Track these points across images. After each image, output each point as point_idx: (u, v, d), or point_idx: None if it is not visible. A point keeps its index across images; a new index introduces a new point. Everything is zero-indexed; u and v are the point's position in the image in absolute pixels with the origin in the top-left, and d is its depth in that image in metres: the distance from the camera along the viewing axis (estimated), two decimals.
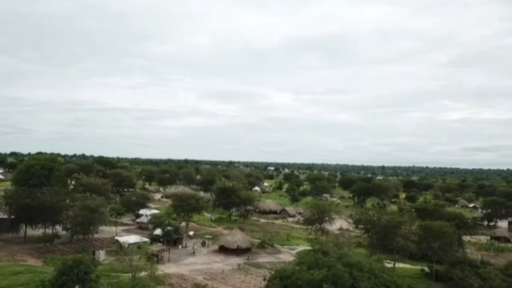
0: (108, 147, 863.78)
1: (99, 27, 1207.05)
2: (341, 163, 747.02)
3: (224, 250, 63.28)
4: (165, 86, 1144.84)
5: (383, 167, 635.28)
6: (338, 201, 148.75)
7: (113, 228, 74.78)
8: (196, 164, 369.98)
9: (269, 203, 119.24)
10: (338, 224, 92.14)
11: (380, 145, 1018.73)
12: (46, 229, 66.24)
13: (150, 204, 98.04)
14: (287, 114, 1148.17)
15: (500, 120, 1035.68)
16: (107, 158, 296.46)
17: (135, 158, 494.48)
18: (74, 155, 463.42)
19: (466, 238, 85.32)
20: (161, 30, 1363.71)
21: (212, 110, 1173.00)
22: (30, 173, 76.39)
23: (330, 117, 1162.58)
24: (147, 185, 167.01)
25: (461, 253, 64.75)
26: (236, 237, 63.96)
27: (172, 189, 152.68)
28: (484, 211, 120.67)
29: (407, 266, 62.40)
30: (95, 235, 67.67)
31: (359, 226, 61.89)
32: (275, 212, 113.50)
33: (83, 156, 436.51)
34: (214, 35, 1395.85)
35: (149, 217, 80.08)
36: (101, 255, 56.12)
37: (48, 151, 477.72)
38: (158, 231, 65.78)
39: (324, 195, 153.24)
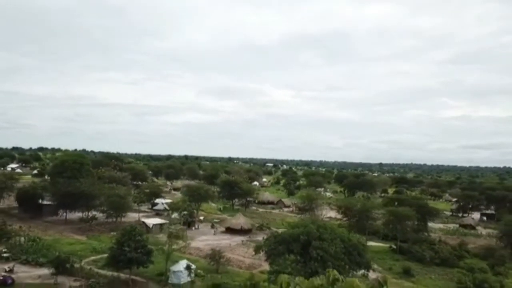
0: (108, 143, 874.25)
1: (98, 23, 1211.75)
2: (339, 160, 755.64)
3: (230, 230, 77.15)
4: (164, 82, 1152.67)
5: (380, 164, 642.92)
6: (331, 194, 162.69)
7: (135, 214, 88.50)
8: (196, 160, 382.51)
9: (267, 195, 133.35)
10: (328, 214, 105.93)
11: (379, 143, 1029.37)
12: (83, 213, 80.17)
13: (162, 195, 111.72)
14: (287, 111, 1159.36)
15: (498, 118, 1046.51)
16: (113, 154, 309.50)
17: (135, 154, 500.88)
18: (75, 150, 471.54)
19: (438, 225, 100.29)
20: (160, 26, 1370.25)
21: (212, 106, 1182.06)
22: (64, 167, 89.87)
23: (329, 114, 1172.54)
24: (155, 179, 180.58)
25: (425, 235, 79.19)
26: (239, 220, 78.01)
27: (178, 183, 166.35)
28: (460, 203, 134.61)
29: (380, 244, 76.22)
30: (122, 219, 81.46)
31: (340, 211, 75.82)
32: (272, 203, 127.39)
33: (84, 152, 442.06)
34: (213, 31, 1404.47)
35: (164, 205, 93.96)
36: None
37: (49, 147, 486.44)
38: (175, 215, 79.61)
39: (318, 189, 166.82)
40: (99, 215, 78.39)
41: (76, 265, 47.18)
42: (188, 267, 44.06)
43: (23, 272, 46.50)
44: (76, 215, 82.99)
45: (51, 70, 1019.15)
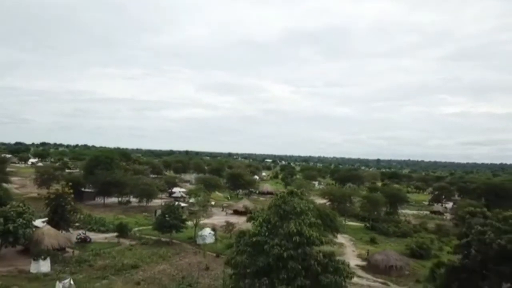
0: (107, 138, 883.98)
1: (98, 18, 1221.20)
2: (338, 156, 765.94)
3: (237, 212, 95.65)
4: (163, 78, 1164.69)
5: (378, 160, 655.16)
6: (323, 186, 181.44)
7: (158, 200, 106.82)
8: (197, 155, 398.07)
9: (267, 186, 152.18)
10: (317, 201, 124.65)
11: (378, 139, 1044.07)
12: (118, 198, 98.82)
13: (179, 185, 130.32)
14: (286, 107, 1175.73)
15: (497, 114, 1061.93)
16: (124, 149, 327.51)
17: (136, 149, 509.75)
18: (77, 146, 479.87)
19: (412, 211, 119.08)
20: (160, 22, 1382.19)
21: (211, 102, 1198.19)
22: (98, 161, 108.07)
23: (328, 110, 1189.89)
24: (165, 173, 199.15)
25: (395, 217, 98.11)
26: (245, 204, 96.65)
27: (186, 176, 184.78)
28: (435, 194, 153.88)
29: (357, 224, 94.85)
30: (149, 204, 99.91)
31: (325, 197, 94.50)
32: (271, 193, 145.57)
33: (86, 147, 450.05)
34: (213, 27, 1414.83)
35: (181, 193, 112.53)
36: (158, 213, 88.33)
37: (50, 141, 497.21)
38: (192, 200, 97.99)
39: (312, 182, 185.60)
40: (132, 199, 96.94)
41: (130, 232, 65.84)
42: (214, 229, 62.70)
43: (92, 236, 64.80)
44: (110, 200, 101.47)
45: (50, 65, 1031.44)
